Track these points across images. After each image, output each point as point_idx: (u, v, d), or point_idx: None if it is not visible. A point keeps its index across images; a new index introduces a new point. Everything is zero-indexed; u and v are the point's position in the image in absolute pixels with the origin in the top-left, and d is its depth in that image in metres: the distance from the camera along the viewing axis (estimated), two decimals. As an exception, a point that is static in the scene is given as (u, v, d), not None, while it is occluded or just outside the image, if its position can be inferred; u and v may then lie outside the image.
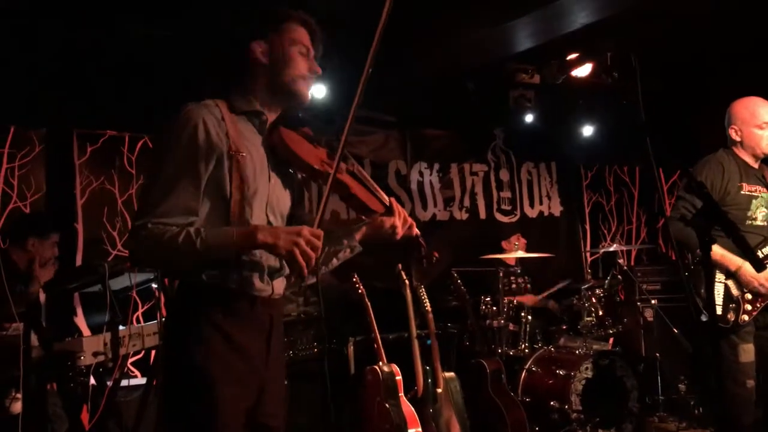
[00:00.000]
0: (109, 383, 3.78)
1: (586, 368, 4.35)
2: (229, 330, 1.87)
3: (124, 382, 3.91)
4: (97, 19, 4.12)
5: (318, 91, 5.10)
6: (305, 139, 2.08)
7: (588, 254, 6.80)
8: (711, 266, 2.82)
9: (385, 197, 2.12)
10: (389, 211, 2.10)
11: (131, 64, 4.44)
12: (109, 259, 4.54)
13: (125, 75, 4.47)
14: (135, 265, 1.85)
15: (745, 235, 3.03)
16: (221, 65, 2.10)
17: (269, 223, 1.98)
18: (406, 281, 4.29)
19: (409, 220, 2.14)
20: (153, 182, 1.85)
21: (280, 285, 2.05)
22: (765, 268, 3.08)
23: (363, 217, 2.12)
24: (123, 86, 4.49)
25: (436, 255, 2.20)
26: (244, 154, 1.91)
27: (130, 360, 4.44)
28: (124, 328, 3.55)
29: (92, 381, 3.82)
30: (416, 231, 2.18)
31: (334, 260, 2.17)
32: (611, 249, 5.52)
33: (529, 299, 5.27)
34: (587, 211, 7.00)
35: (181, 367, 1.86)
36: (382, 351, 4.16)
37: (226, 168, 1.87)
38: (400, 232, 2.11)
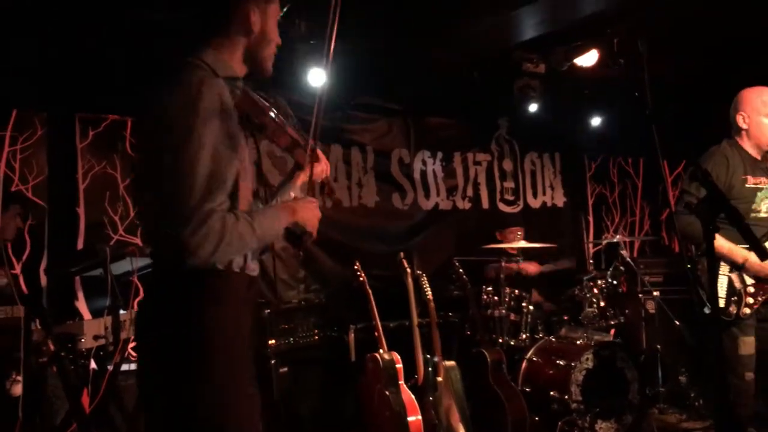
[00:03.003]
0: (110, 367, 3.78)
1: (587, 359, 4.34)
2: (236, 313, 1.83)
3: (124, 367, 3.91)
4: (100, 3, 4.10)
5: (318, 78, 5.07)
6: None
7: (591, 245, 6.79)
8: (715, 256, 2.80)
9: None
10: (317, 157, 2.14)
11: (134, 47, 4.42)
12: (111, 243, 4.55)
13: (128, 59, 4.45)
14: (190, 258, 1.65)
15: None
16: (208, 19, 1.97)
17: (255, 193, 1.97)
18: (408, 269, 4.29)
19: (328, 164, 2.22)
20: (194, 161, 1.68)
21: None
22: (768, 257, 3.08)
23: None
24: (125, 70, 4.48)
25: (335, 191, 2.25)
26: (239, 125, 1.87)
27: (131, 344, 4.45)
28: (125, 312, 3.56)
29: (93, 365, 3.82)
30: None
31: None
32: (614, 240, 5.50)
33: (532, 267, 5.26)
34: (591, 202, 6.99)
35: (198, 352, 1.74)
36: (383, 339, 4.16)
37: None
38: (326, 173, 2.20)
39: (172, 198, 1.70)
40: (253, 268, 1.94)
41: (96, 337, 3.41)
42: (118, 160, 4.73)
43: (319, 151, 2.16)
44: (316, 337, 4.71)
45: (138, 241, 4.69)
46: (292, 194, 2.18)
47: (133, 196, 1.99)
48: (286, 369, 4.26)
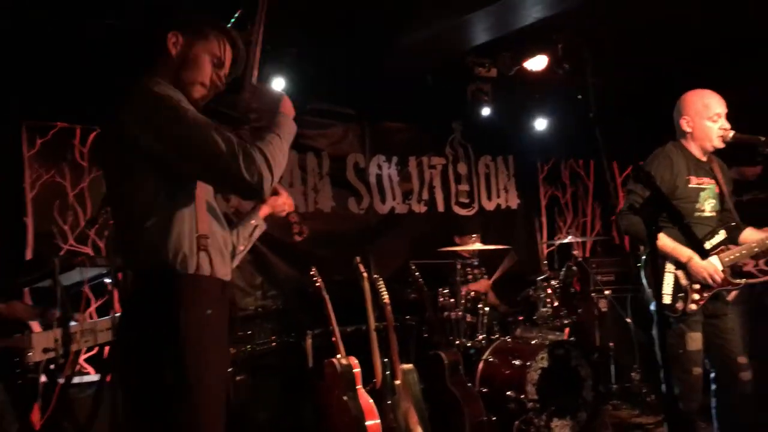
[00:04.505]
0: (61, 380, 3.69)
1: (542, 358, 4.41)
2: (209, 318, 1.91)
3: (76, 379, 3.83)
4: (47, 8, 4.02)
5: (276, 85, 5.08)
6: None
7: (544, 246, 6.90)
8: (658, 255, 2.88)
9: None
10: (276, 191, 2.34)
11: (83, 53, 4.34)
12: (61, 253, 4.45)
13: (77, 65, 4.37)
14: (260, 188, 1.86)
15: (694, 226, 3.12)
16: (141, 46, 2.12)
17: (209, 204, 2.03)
18: (364, 273, 4.30)
19: (290, 198, 2.43)
20: (192, 125, 1.83)
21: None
22: (709, 255, 3.17)
23: None
24: (74, 77, 4.39)
25: (306, 231, 2.46)
26: None
27: (83, 356, 4.36)
28: (75, 324, 3.48)
29: (43, 379, 3.73)
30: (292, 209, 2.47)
31: (250, 240, 2.33)
32: (566, 241, 5.61)
33: (482, 285, 5.32)
34: (544, 203, 7.10)
35: (170, 360, 1.82)
36: (341, 344, 4.16)
37: None
38: (289, 207, 2.40)
39: (208, 167, 1.84)
40: (225, 273, 2.02)
41: (45, 350, 3.32)
42: (67, 168, 4.63)
43: (278, 186, 2.30)
44: (274, 344, 4.69)
45: (89, 250, 4.60)
46: (253, 222, 2.33)
47: (108, 211, 2.10)
48: (243, 377, 4.23)
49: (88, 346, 3.65)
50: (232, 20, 4.07)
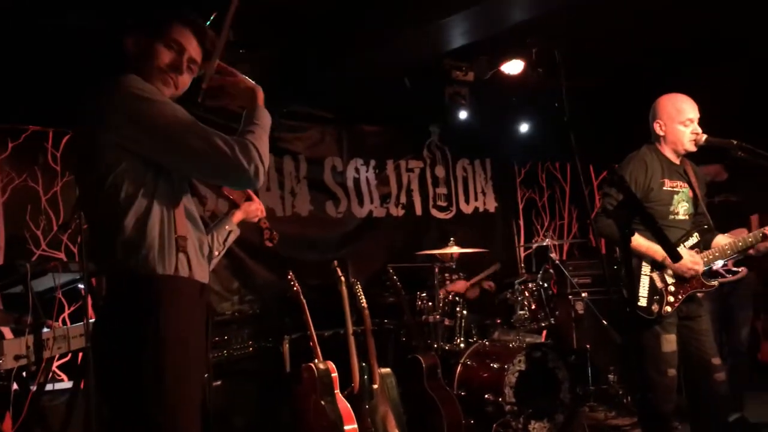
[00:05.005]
0: (33, 388, 3.63)
1: (520, 361, 4.43)
2: (188, 315, 1.90)
3: (49, 387, 3.76)
4: (16, 10, 3.96)
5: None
6: None
7: (522, 249, 6.93)
8: (631, 256, 2.90)
9: None
10: (249, 197, 2.44)
11: (54, 55, 4.27)
12: (33, 258, 4.38)
13: (49, 67, 4.31)
14: (256, 177, 1.91)
15: (668, 229, 3.15)
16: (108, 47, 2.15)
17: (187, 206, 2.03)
18: (342, 277, 4.29)
19: (262, 205, 2.50)
20: (171, 120, 1.84)
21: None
22: (681, 258, 3.20)
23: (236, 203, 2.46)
24: (47, 79, 4.33)
25: (276, 237, 2.57)
26: None
27: (57, 363, 4.29)
28: (48, 330, 3.42)
29: (15, 386, 3.67)
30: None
31: (225, 245, 2.37)
32: (544, 244, 5.64)
33: (459, 285, 5.33)
34: (521, 206, 7.14)
35: (148, 362, 1.80)
36: (318, 348, 4.15)
37: None
38: (261, 213, 2.48)
39: (210, 164, 1.86)
40: (203, 275, 2.01)
41: (17, 357, 3.26)
42: (39, 172, 4.57)
43: (250, 192, 2.38)
44: (251, 349, 4.65)
45: (62, 255, 4.53)
46: (227, 228, 2.35)
47: (80, 213, 2.09)
48: (219, 382, 4.19)
49: (61, 352, 3.59)
50: (207, 23, 4.04)
